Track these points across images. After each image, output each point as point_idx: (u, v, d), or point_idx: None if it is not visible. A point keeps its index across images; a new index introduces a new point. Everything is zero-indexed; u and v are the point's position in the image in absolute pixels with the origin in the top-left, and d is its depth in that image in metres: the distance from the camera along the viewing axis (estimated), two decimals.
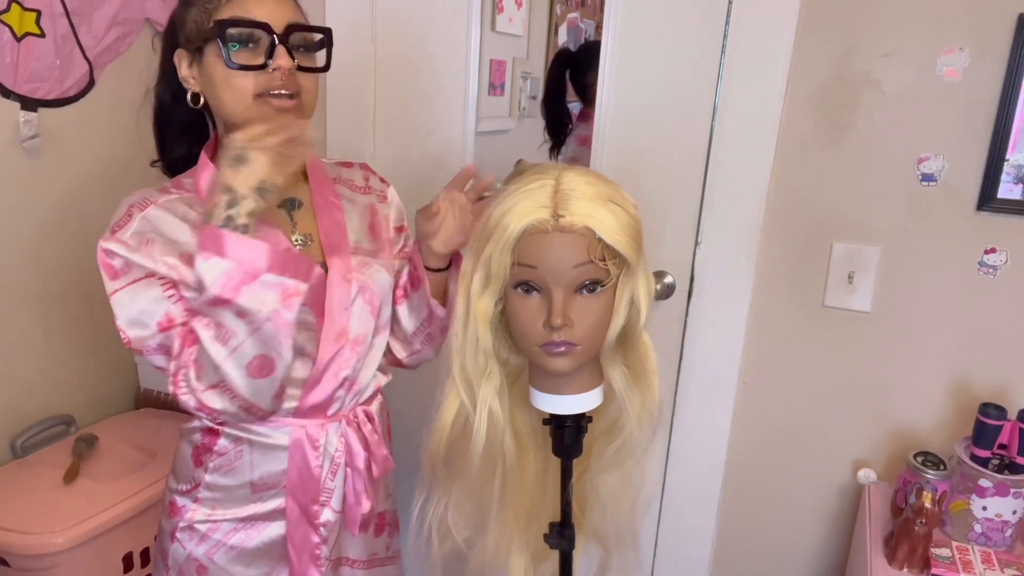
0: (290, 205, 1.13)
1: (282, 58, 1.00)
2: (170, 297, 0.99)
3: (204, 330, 0.93)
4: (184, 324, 0.98)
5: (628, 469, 1.03)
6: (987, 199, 1.41)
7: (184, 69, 1.06)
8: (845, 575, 1.64)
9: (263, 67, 1.00)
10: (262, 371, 0.96)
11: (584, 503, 1.08)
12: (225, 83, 1.01)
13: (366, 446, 1.17)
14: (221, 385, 0.96)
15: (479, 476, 0.98)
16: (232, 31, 0.99)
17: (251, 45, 1.00)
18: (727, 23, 1.51)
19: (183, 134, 1.13)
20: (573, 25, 2.07)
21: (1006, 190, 1.39)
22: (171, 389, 0.99)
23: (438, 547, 1.02)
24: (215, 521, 1.13)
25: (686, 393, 1.71)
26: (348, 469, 1.15)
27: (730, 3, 1.49)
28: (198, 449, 1.13)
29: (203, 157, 1.09)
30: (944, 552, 1.33)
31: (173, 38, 1.07)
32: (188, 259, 0.99)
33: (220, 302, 0.91)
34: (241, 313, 0.91)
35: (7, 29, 1.48)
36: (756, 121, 1.52)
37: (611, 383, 0.96)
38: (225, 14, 0.99)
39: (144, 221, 1.01)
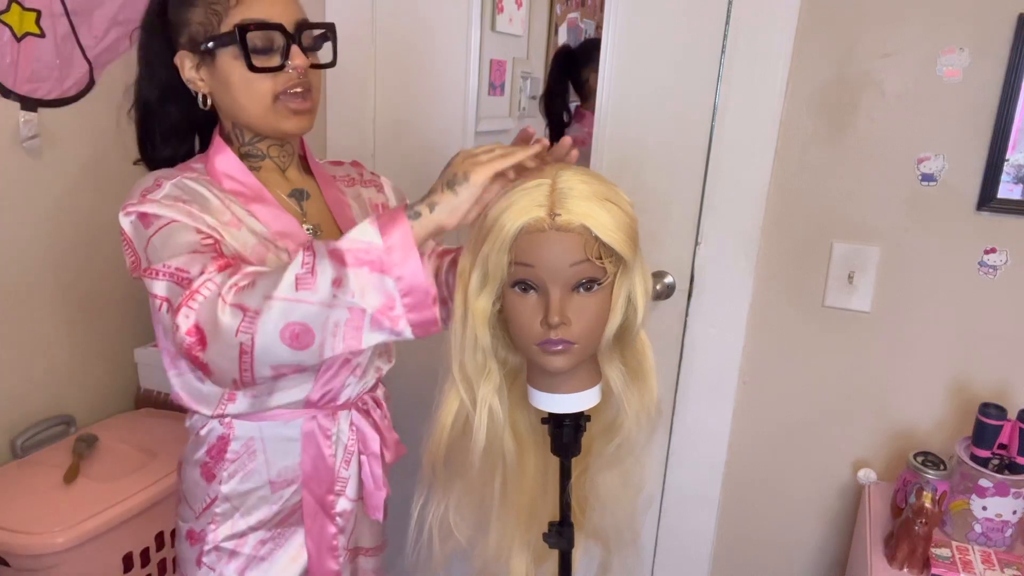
0: (299, 196, 1.13)
1: (298, 58, 1.00)
2: (206, 245, 0.93)
3: (294, 263, 0.85)
4: (226, 257, 0.91)
5: (627, 468, 1.03)
6: (987, 199, 1.40)
7: (189, 71, 1.04)
8: (845, 575, 1.64)
9: (281, 68, 1.00)
10: (294, 340, 0.84)
11: (584, 502, 1.08)
12: (244, 86, 1.01)
13: (378, 431, 1.17)
14: (249, 314, 0.83)
15: (479, 475, 0.98)
16: (252, 35, 0.98)
17: (267, 47, 1.00)
18: (727, 23, 1.51)
19: (170, 135, 1.10)
20: (573, 25, 2.08)
21: (1006, 190, 1.39)
22: (180, 299, 0.87)
23: (439, 547, 1.02)
24: (241, 535, 1.11)
25: (686, 393, 1.71)
26: (363, 456, 1.16)
27: (730, 3, 1.50)
28: (207, 466, 1.11)
29: (218, 140, 1.08)
30: (944, 552, 1.33)
31: (166, 38, 1.05)
32: (235, 223, 0.99)
33: (337, 256, 0.83)
34: (337, 281, 0.83)
35: (7, 29, 1.48)
36: (756, 121, 1.52)
37: (609, 382, 0.96)
38: (236, 16, 0.99)
39: (175, 188, 1.00)
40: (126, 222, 0.98)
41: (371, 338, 0.85)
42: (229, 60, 1.00)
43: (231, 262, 0.91)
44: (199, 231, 0.95)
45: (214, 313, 0.84)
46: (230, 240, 0.99)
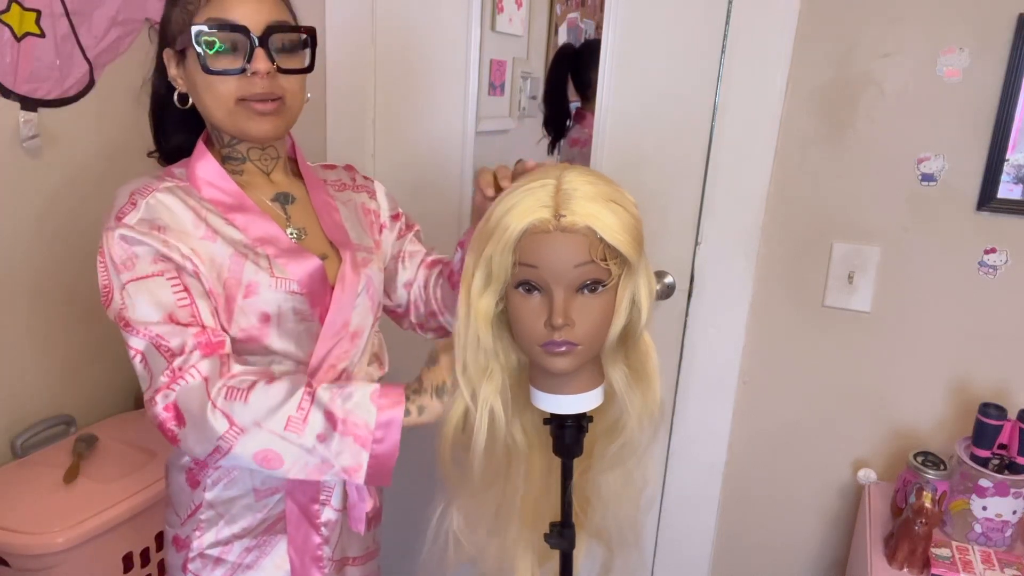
0: (283, 199, 1.12)
1: (260, 62, 0.97)
2: (182, 307, 0.96)
3: (291, 400, 0.92)
4: (206, 330, 0.96)
5: (630, 469, 1.02)
6: (987, 199, 1.41)
7: (172, 69, 1.04)
8: (845, 575, 1.64)
9: (241, 72, 0.98)
10: (264, 462, 0.93)
11: (586, 503, 1.08)
12: (206, 88, 0.99)
13: None
14: (235, 427, 0.91)
15: (485, 476, 0.98)
16: (208, 35, 0.96)
17: (230, 48, 0.98)
18: (727, 23, 1.51)
19: (180, 124, 1.10)
20: (573, 25, 2.08)
21: (1006, 190, 1.40)
22: (161, 377, 0.93)
23: (453, 554, 1.01)
24: (226, 542, 1.10)
25: (686, 393, 1.71)
26: None
27: (730, 3, 1.50)
28: (192, 471, 1.10)
29: (200, 146, 1.07)
30: (944, 552, 1.33)
31: (164, 35, 1.05)
32: (210, 235, 1.00)
33: (331, 418, 0.92)
34: (322, 437, 0.92)
35: (7, 29, 1.48)
36: (756, 121, 1.53)
37: (612, 383, 0.96)
38: (204, 16, 0.97)
39: (149, 208, 0.99)
40: (107, 250, 0.98)
41: (327, 478, 1.03)
42: (194, 60, 0.99)
43: (213, 343, 0.96)
44: (174, 286, 0.97)
45: (202, 409, 0.91)
46: (205, 269, 0.98)
